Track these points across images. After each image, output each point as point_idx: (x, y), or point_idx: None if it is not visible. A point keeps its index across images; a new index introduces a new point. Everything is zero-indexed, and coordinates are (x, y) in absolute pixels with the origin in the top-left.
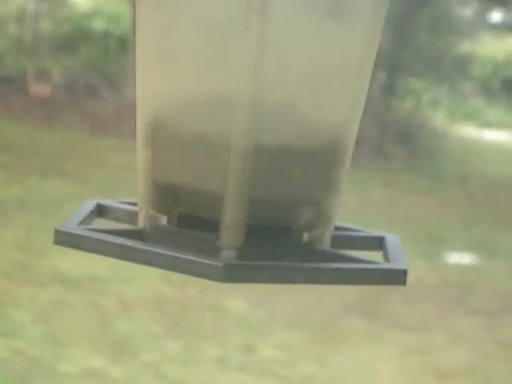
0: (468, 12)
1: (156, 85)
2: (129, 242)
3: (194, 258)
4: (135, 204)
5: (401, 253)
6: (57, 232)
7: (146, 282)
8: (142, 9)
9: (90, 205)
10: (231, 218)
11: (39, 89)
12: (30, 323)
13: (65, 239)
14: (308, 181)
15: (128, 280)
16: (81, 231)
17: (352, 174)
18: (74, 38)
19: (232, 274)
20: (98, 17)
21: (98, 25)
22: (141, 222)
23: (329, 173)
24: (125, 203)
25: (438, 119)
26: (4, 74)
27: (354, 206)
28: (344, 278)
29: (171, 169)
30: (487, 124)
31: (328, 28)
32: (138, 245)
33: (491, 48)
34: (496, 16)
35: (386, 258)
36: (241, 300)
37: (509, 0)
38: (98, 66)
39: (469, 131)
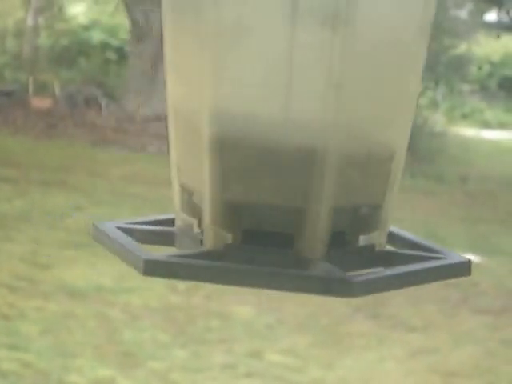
0: (463, 13)
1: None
2: (224, 265)
3: (313, 274)
4: (148, 223)
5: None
6: (146, 262)
7: (153, 290)
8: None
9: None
10: (317, 230)
11: (40, 102)
12: (37, 335)
13: (154, 268)
14: (367, 186)
15: (134, 289)
16: (169, 259)
17: None
18: (73, 50)
19: (362, 288)
20: (96, 29)
21: (97, 37)
22: (209, 243)
23: (387, 178)
24: (141, 223)
25: (437, 120)
26: (4, 88)
27: None
28: (414, 279)
29: (241, 186)
30: (486, 124)
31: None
32: (235, 266)
33: (487, 48)
34: (491, 16)
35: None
36: (247, 306)
37: (503, 0)
38: (97, 78)
39: (468, 131)
